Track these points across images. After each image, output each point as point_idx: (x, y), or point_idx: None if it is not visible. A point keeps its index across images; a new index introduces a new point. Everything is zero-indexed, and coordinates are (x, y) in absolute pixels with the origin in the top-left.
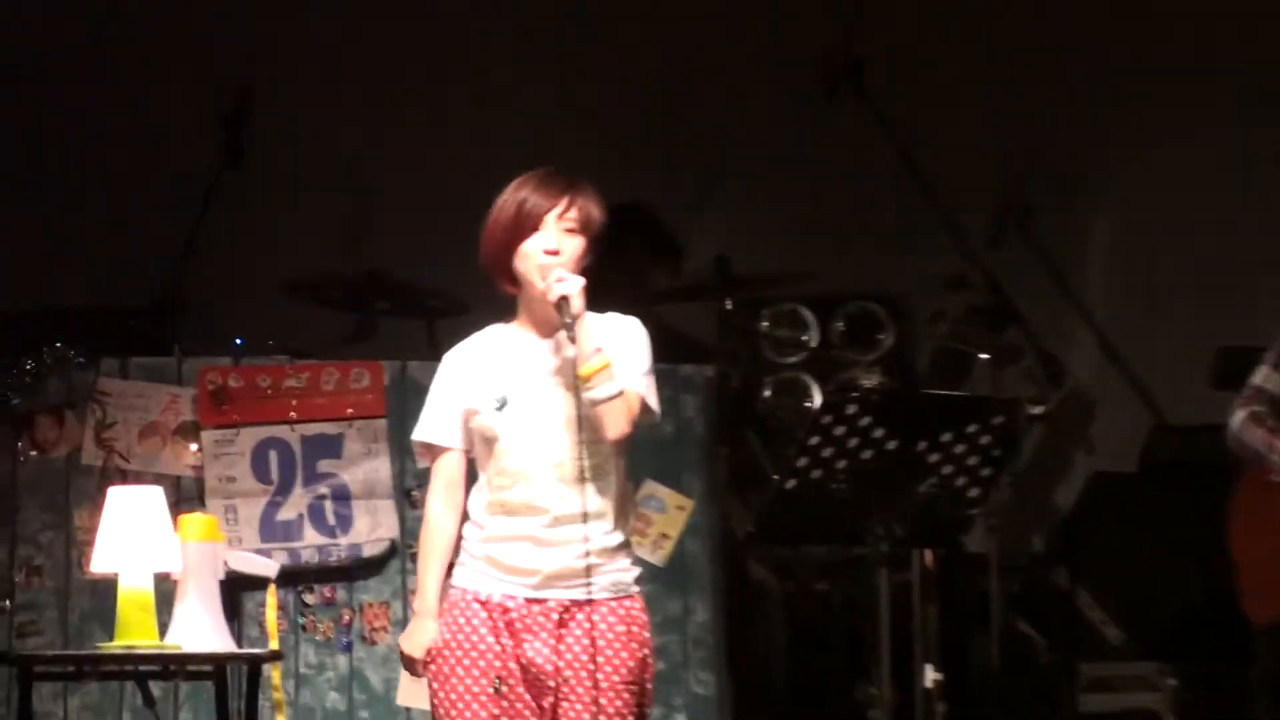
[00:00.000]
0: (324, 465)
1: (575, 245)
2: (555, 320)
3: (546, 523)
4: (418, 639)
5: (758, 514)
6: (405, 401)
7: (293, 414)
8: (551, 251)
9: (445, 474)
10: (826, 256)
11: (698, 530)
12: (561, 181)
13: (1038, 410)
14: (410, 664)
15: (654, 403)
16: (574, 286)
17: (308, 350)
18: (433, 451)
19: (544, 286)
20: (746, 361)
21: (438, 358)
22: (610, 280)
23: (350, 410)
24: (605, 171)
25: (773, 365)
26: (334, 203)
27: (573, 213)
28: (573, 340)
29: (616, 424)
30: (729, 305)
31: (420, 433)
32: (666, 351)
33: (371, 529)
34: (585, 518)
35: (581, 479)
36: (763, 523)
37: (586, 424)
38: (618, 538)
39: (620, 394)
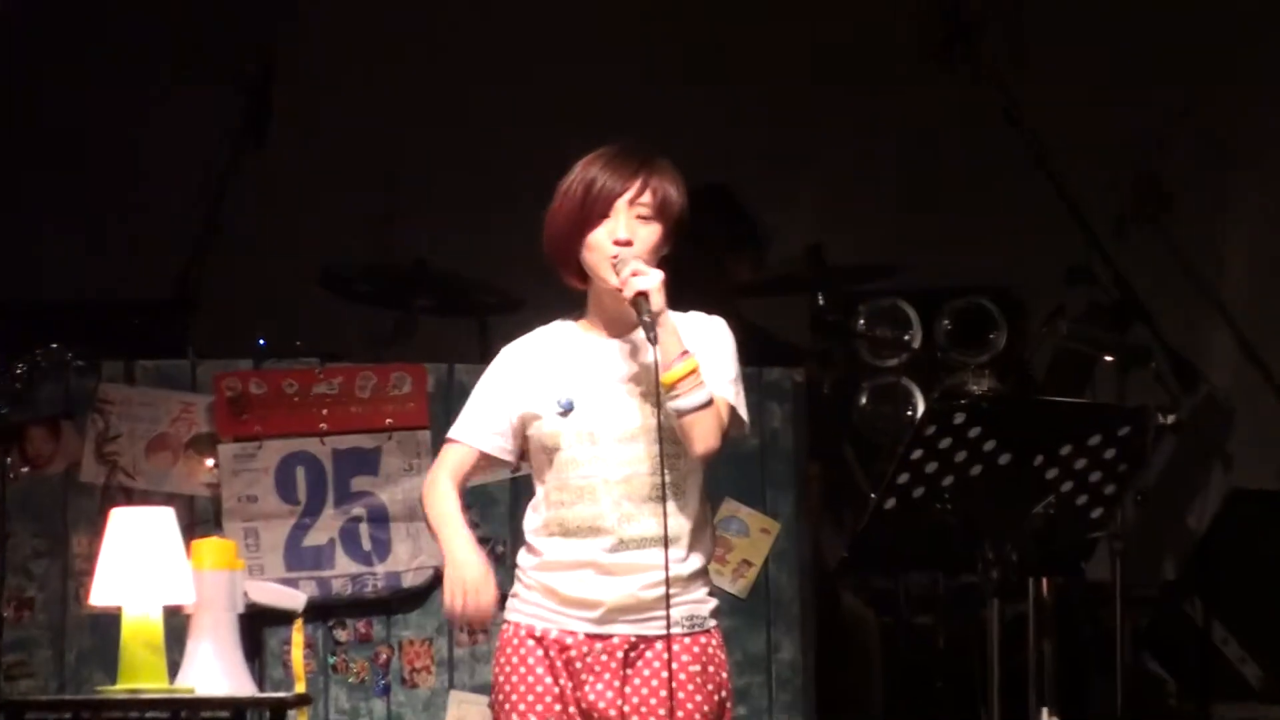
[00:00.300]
0: (359, 483)
1: (650, 234)
2: (628, 318)
3: (609, 546)
4: (470, 576)
5: (852, 538)
6: (452, 410)
7: (323, 425)
8: (623, 242)
9: (454, 461)
10: (931, 245)
11: (784, 557)
12: (634, 160)
13: (1169, 420)
14: (478, 619)
15: (745, 413)
16: (652, 281)
17: (340, 352)
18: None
19: (618, 282)
20: (840, 364)
21: (488, 360)
22: (685, 272)
23: (389, 420)
24: (678, 150)
25: (870, 369)
26: (370, 185)
27: (647, 196)
28: (653, 342)
29: (705, 438)
30: (820, 300)
31: (458, 431)
32: (749, 353)
33: (412, 556)
34: (658, 542)
35: (655, 497)
36: (858, 548)
37: (667, 435)
38: (693, 564)
39: (710, 403)
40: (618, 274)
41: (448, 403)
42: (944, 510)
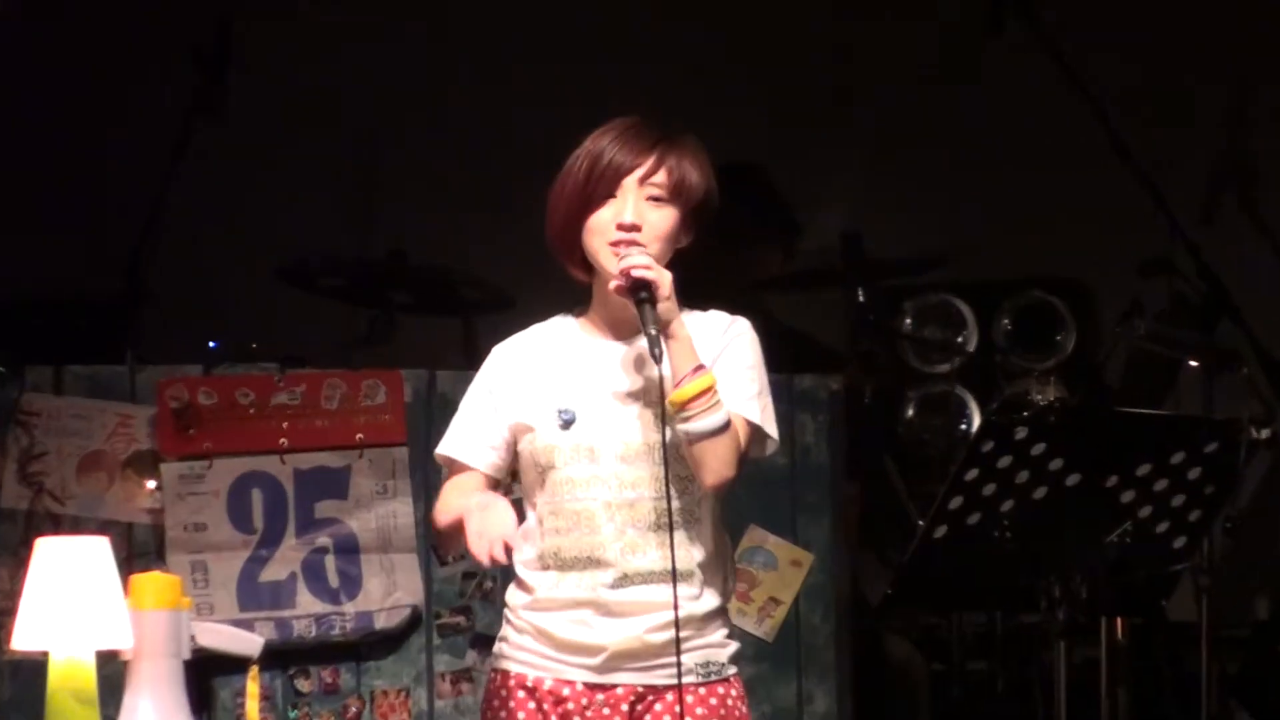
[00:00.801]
0: (325, 508)
1: (663, 219)
2: (637, 318)
3: (610, 581)
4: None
5: (897, 571)
6: (433, 423)
7: (283, 440)
8: (627, 226)
9: (463, 487)
10: (988, 233)
11: (818, 593)
12: (651, 134)
13: (1263, 434)
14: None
15: (774, 429)
16: (657, 276)
17: (304, 356)
18: (456, 471)
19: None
20: (883, 370)
21: (475, 366)
22: (705, 263)
23: (360, 435)
24: (700, 124)
25: (918, 375)
26: (341, 167)
27: (661, 175)
28: (657, 359)
29: (718, 468)
30: (861, 297)
31: (448, 446)
32: (779, 357)
33: (387, 593)
34: (667, 576)
35: (663, 526)
36: (904, 582)
37: (675, 453)
38: (709, 603)
39: (726, 427)
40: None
41: (428, 414)
42: (1003, 539)
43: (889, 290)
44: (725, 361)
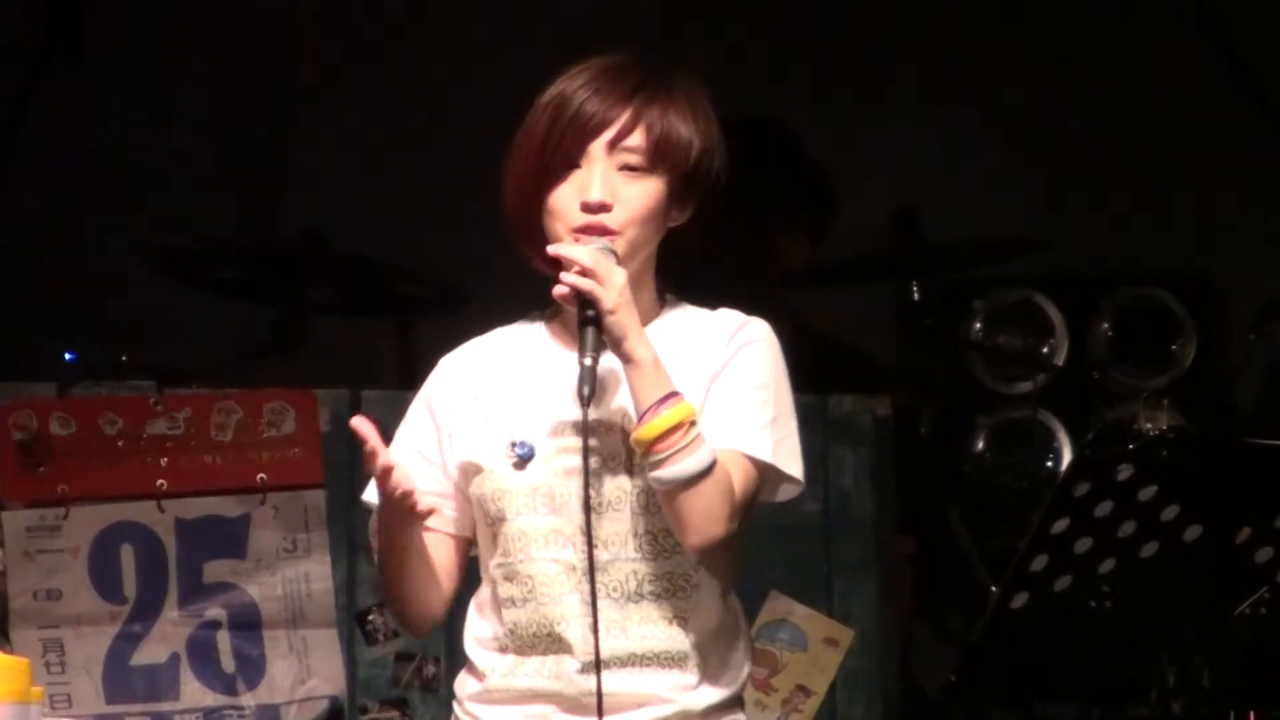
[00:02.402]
0: (216, 570)
1: (642, 194)
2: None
3: (579, 667)
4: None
5: (963, 651)
6: (357, 457)
7: (162, 482)
8: (594, 206)
9: None
10: (1082, 213)
11: (860, 680)
12: (628, 79)
13: None
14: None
15: (794, 468)
16: (592, 288)
17: (189, 371)
18: None
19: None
20: (946, 390)
21: (414, 384)
22: (712, 249)
23: (263, 476)
24: (704, 68)
25: (991, 396)
26: (237, 124)
27: (637, 137)
28: (584, 398)
29: (700, 525)
30: (916, 294)
31: (374, 491)
32: (809, 373)
33: (298, 681)
34: (659, 661)
35: (646, 595)
36: (971, 666)
37: (655, 503)
38: (712, 695)
39: (708, 472)
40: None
41: (351, 447)
42: (1101, 609)
43: (954, 286)
44: (728, 379)
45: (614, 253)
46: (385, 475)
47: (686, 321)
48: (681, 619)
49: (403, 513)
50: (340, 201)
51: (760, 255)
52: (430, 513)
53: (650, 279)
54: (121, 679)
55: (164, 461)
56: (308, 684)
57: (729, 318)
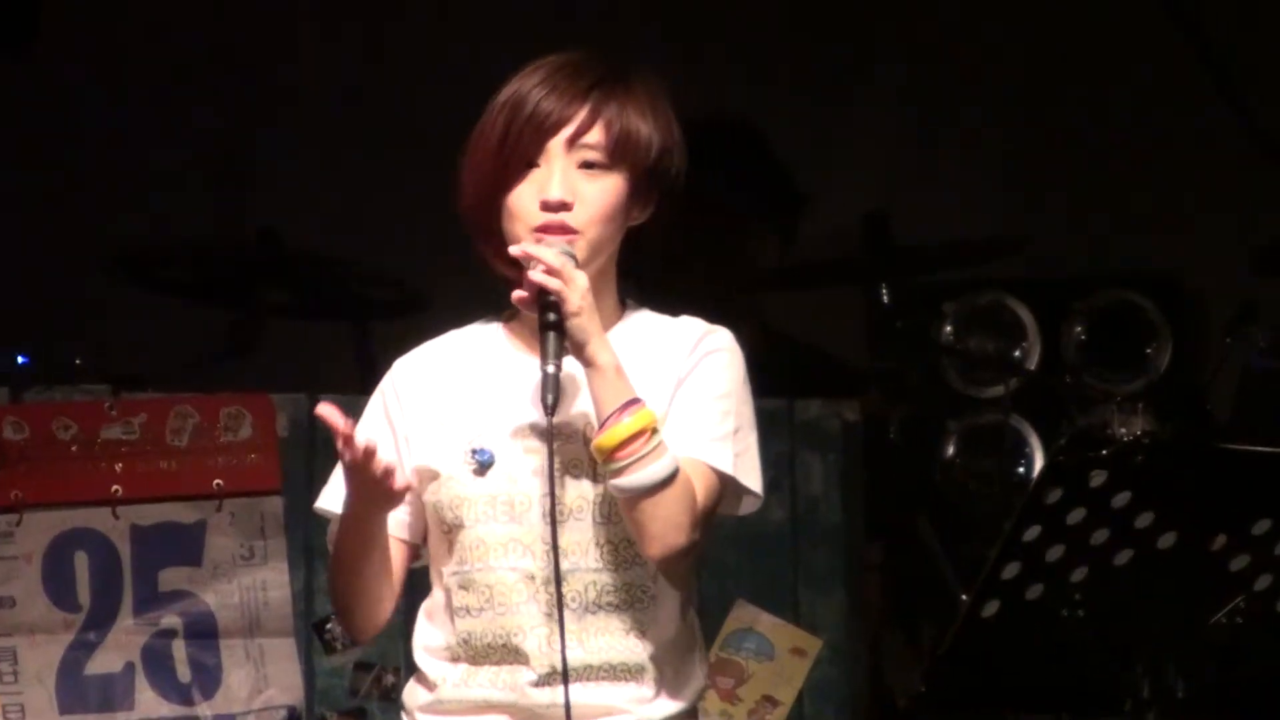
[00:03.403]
0: (172, 578)
1: (602, 193)
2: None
3: (535, 679)
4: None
5: (934, 661)
6: (316, 464)
7: (117, 488)
8: (554, 205)
9: None
10: (1054, 213)
11: (830, 690)
12: (585, 76)
13: None
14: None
15: (754, 481)
16: (560, 288)
17: (144, 375)
18: None
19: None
20: (916, 394)
21: (373, 388)
22: (676, 251)
23: (219, 481)
24: (671, 69)
25: (962, 401)
26: (194, 120)
27: (596, 134)
28: (548, 406)
29: (662, 535)
30: (885, 296)
31: (329, 499)
32: (776, 378)
33: (255, 690)
34: (617, 673)
35: (606, 606)
36: (942, 676)
37: (616, 512)
38: (669, 708)
39: (670, 481)
40: (529, 263)
41: (309, 452)
42: (1074, 618)
43: (924, 288)
44: (690, 388)
45: (573, 256)
46: (369, 455)
47: (649, 328)
48: (639, 630)
49: (380, 495)
50: (297, 201)
51: (727, 257)
52: (408, 488)
53: (611, 282)
54: (75, 688)
55: (119, 467)
56: (265, 694)
57: (692, 326)
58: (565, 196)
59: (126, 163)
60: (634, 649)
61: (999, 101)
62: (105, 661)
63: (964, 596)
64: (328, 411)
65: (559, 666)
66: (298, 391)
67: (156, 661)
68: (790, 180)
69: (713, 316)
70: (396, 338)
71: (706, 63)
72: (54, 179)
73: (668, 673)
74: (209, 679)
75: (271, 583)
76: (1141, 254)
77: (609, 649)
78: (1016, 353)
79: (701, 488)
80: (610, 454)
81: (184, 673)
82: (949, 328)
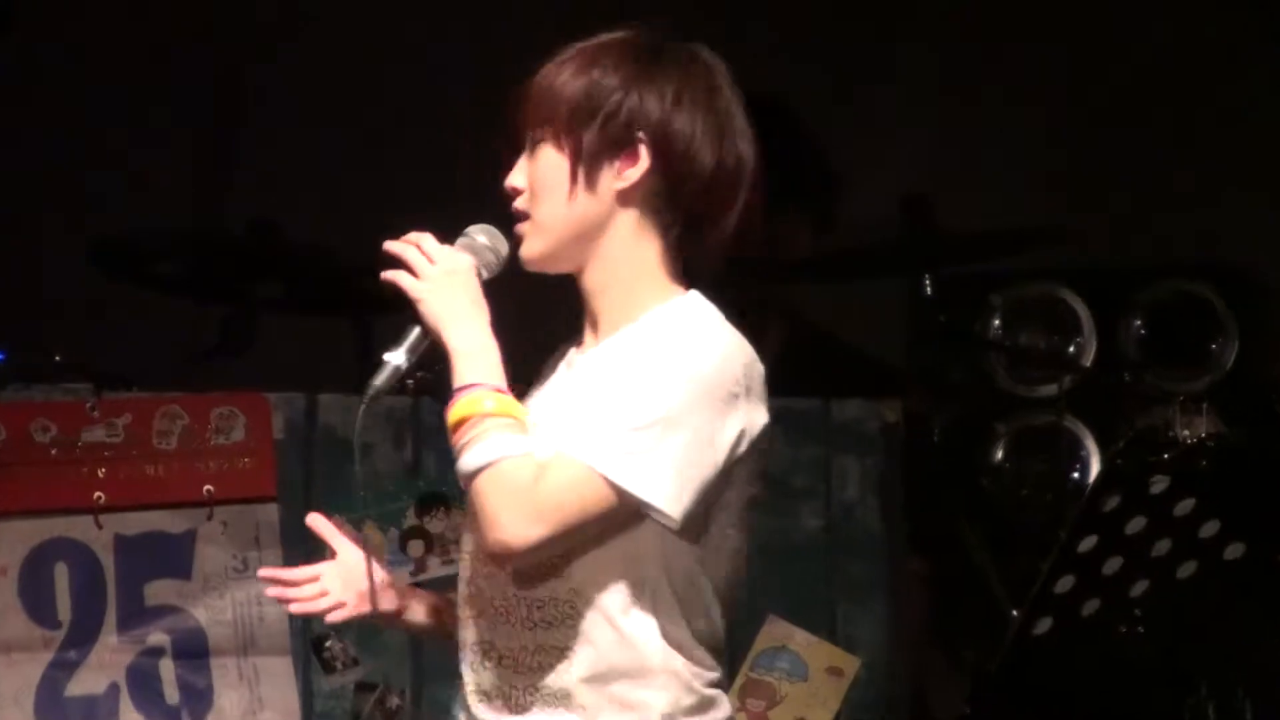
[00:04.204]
0: (158, 591)
1: (538, 168)
2: (598, 315)
3: (470, 704)
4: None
5: (981, 681)
6: (313, 467)
7: (99, 494)
8: (507, 191)
9: None
10: (1110, 198)
11: (869, 713)
12: (560, 54)
13: None
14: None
15: (646, 486)
16: (412, 268)
17: (129, 373)
18: None
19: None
20: (962, 394)
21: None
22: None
23: (210, 488)
24: (703, 42)
25: (1011, 400)
26: (181, 100)
27: (525, 109)
28: (370, 391)
29: (485, 529)
30: (928, 288)
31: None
32: (809, 377)
33: (249, 712)
34: (550, 700)
35: (531, 623)
36: (991, 697)
37: None
38: None
39: (484, 470)
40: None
41: (306, 456)
42: (1133, 636)
43: (970, 279)
44: (602, 366)
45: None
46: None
47: (659, 320)
48: (559, 654)
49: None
50: (293, 188)
51: (759, 244)
52: (391, 612)
53: (628, 271)
54: (55, 711)
55: (102, 472)
56: (259, 717)
57: (673, 310)
58: (514, 181)
59: (109, 147)
60: (559, 676)
61: (1050, 74)
62: (87, 682)
63: (1014, 612)
64: (317, 523)
65: (485, 687)
66: (295, 391)
67: (142, 682)
68: (824, 161)
69: (740, 309)
70: (397, 333)
71: (739, 39)
72: (32, 164)
73: (606, 700)
74: (199, 701)
75: (266, 597)
76: (1206, 242)
77: (536, 671)
78: (1070, 348)
79: (559, 483)
80: (452, 431)
81: (172, 694)
82: (997, 321)
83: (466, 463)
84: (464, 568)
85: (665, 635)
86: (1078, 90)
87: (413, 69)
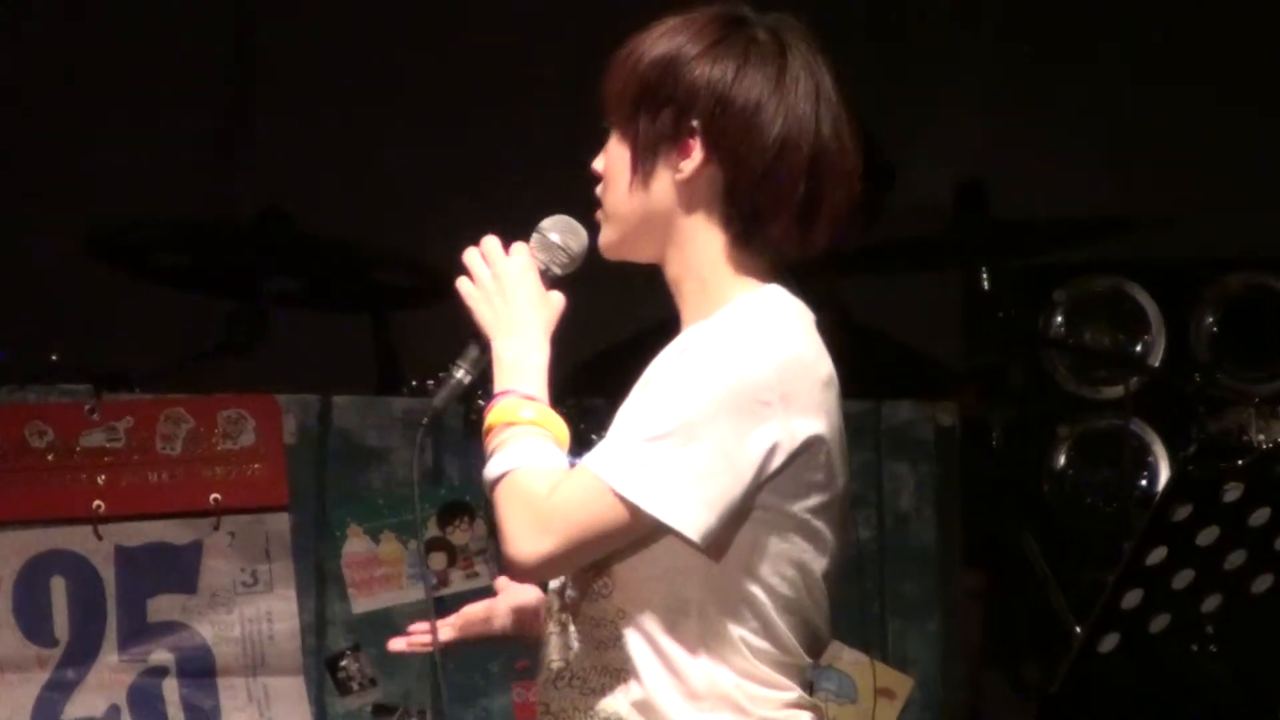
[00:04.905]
0: (162, 607)
1: (608, 156)
2: (680, 309)
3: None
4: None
5: (1041, 703)
6: (326, 474)
7: (99, 503)
8: (594, 176)
9: None
10: (1180, 187)
11: None
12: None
13: None
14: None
15: (656, 501)
16: (470, 274)
17: (130, 374)
18: None
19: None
20: (1022, 396)
21: (394, 387)
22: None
23: (216, 496)
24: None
25: (1075, 402)
26: (187, 82)
27: (604, 96)
28: (433, 408)
29: (504, 536)
30: (985, 281)
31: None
32: (858, 378)
33: None
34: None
35: (574, 641)
36: (1052, 718)
37: None
38: None
39: (500, 481)
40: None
41: (319, 462)
42: (1205, 654)
43: (1030, 272)
44: (654, 366)
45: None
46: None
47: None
48: (609, 674)
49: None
50: (305, 175)
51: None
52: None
53: (698, 265)
54: None
55: (101, 479)
56: None
57: (722, 316)
58: (595, 165)
59: (110, 133)
60: (614, 702)
61: (1117, 55)
62: (86, 704)
63: (1077, 629)
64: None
65: (552, 708)
66: (308, 392)
67: (145, 704)
68: (873, 146)
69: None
70: (419, 330)
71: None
72: (27, 153)
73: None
74: None
75: (277, 613)
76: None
77: (598, 693)
78: (1138, 347)
79: (575, 496)
80: (484, 438)
81: (176, 716)
82: (1059, 318)
83: (487, 471)
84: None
85: (714, 657)
86: (1144, 69)
87: (436, 46)
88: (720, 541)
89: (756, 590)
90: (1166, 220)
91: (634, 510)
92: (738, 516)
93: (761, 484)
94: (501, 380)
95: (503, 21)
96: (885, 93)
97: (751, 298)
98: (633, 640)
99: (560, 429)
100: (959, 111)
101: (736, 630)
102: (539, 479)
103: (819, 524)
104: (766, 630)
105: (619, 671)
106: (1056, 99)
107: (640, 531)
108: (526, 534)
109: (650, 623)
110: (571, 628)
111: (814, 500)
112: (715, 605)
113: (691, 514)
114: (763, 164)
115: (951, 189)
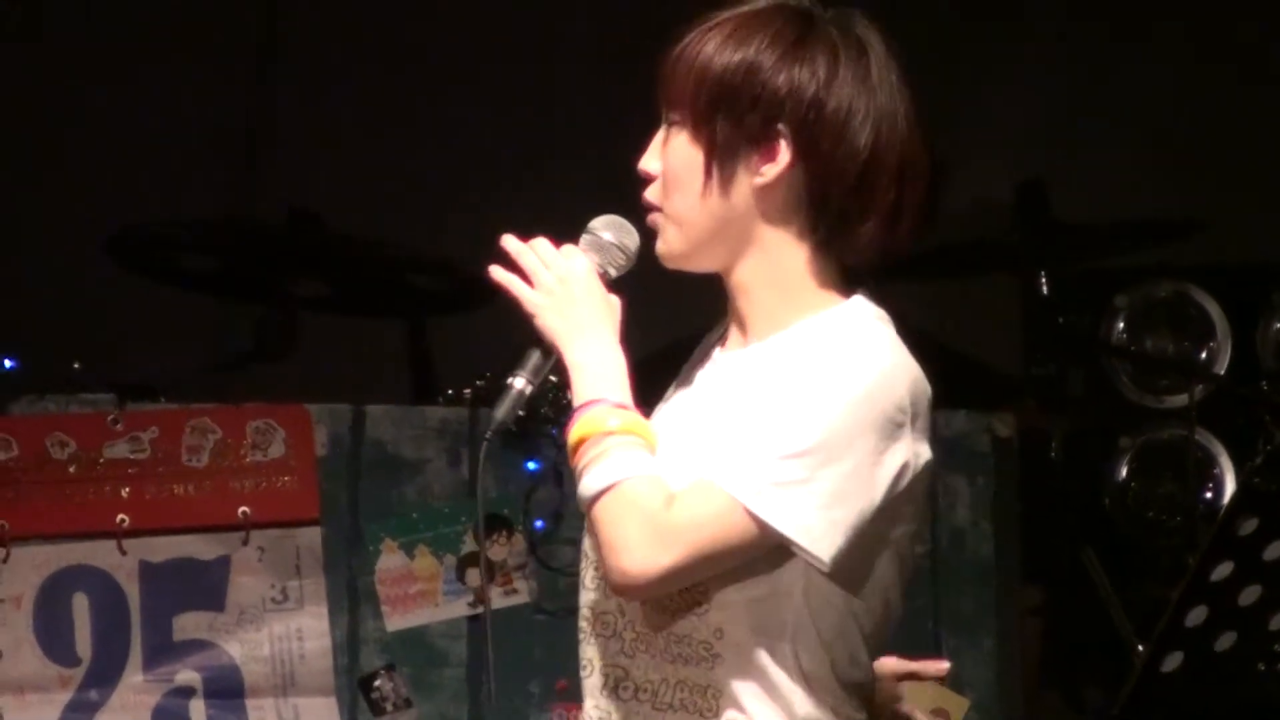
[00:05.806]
0: (188, 624)
1: (671, 154)
2: (745, 317)
3: None
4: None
5: None
6: (359, 487)
7: (123, 517)
8: (640, 175)
9: None
10: (1249, 188)
11: None
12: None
13: None
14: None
15: (806, 533)
16: (529, 278)
17: (155, 382)
18: None
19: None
20: (1082, 406)
21: (429, 397)
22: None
23: (245, 510)
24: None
25: (1137, 412)
26: (207, 79)
27: (665, 85)
28: (499, 415)
29: (604, 557)
30: (1044, 287)
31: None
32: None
33: None
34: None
35: (657, 655)
36: None
37: None
38: None
39: (606, 493)
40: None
41: (352, 474)
42: (1272, 674)
43: (1091, 277)
44: (749, 376)
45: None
46: None
47: (802, 326)
48: (702, 689)
49: None
50: (335, 174)
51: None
52: None
53: (776, 273)
54: None
55: (125, 492)
56: None
57: (828, 321)
58: (646, 165)
59: (133, 132)
60: (705, 716)
61: (1184, 50)
62: None
63: (1140, 647)
64: None
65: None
66: (339, 402)
67: None
68: (929, 145)
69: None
70: (455, 336)
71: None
72: (48, 152)
73: None
74: None
75: (308, 631)
76: None
77: (677, 709)
78: (1202, 354)
79: (700, 512)
80: (571, 453)
81: None
82: (1121, 324)
83: (587, 485)
84: (587, 591)
85: (810, 683)
86: (1209, 68)
87: (468, 41)
88: (846, 568)
89: (850, 619)
90: (1232, 223)
91: (765, 530)
92: (864, 540)
93: (887, 509)
94: (584, 389)
95: (541, 18)
96: (942, 92)
97: (849, 308)
98: (731, 662)
99: (652, 436)
100: (1019, 111)
101: (830, 657)
102: (651, 490)
103: (905, 552)
104: (854, 659)
105: (704, 689)
106: (1119, 98)
107: (762, 551)
108: (644, 547)
109: (751, 645)
110: (638, 635)
111: (910, 527)
112: (813, 630)
113: (824, 537)
114: (855, 168)
115: (1011, 190)
